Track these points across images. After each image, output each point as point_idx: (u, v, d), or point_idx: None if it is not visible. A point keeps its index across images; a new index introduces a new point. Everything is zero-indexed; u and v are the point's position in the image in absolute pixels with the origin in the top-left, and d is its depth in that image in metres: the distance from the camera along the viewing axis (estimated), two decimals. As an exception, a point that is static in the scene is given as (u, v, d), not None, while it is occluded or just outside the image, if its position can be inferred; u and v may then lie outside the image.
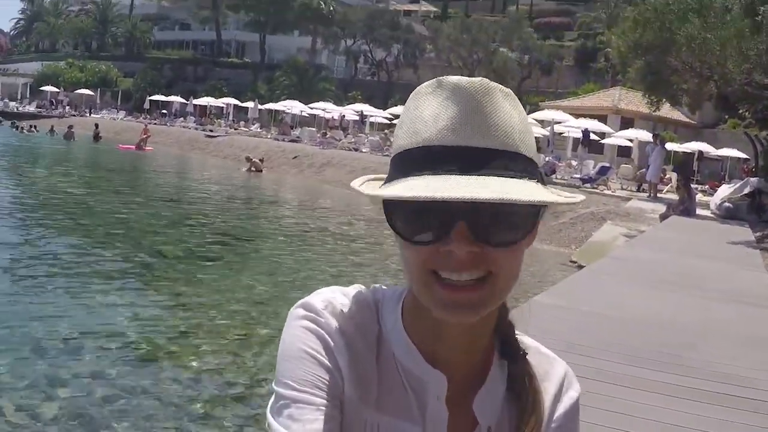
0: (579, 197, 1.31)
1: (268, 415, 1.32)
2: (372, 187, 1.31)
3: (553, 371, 1.49)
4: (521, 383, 1.42)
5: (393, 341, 1.39)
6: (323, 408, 1.29)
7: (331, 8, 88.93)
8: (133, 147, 48.76)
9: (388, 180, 1.29)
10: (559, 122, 40.16)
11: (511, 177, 1.20)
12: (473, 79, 1.26)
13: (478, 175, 1.18)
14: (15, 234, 16.09)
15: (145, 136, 50.81)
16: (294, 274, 14.39)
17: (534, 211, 1.25)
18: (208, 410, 7.46)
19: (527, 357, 1.44)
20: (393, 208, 1.25)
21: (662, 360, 6.63)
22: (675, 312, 9.07)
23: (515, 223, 1.23)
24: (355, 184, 1.33)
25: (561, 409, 1.47)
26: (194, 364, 8.78)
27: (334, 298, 1.39)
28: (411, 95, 1.33)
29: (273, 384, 1.34)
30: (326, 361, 1.32)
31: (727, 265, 13.75)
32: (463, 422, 1.39)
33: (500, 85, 1.28)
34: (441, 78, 1.30)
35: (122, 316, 10.50)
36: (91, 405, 7.31)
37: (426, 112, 1.26)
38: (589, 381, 5.56)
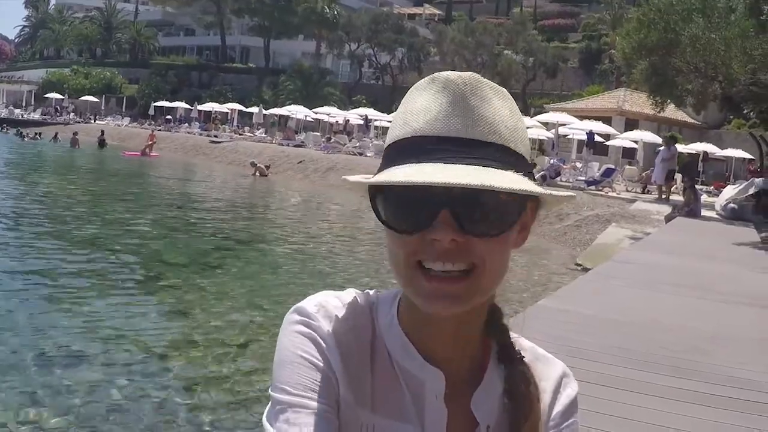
0: (567, 193, 1.34)
1: (264, 422, 1.33)
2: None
3: (549, 371, 1.50)
4: (518, 386, 1.41)
5: (389, 341, 1.40)
6: (320, 412, 1.29)
7: (336, 12, 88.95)
8: (139, 153, 48.85)
9: (378, 171, 1.31)
10: (564, 124, 40.13)
11: (495, 167, 1.22)
12: (463, 73, 1.31)
13: (462, 164, 1.21)
14: (18, 242, 16.08)
15: (150, 143, 50.92)
16: (299, 278, 14.39)
17: (519, 204, 1.26)
18: (212, 418, 7.43)
19: (524, 359, 1.45)
20: (379, 198, 1.29)
21: (669, 364, 6.58)
22: (681, 315, 9.02)
23: (498, 214, 1.24)
24: (349, 178, 1.33)
25: (559, 407, 1.48)
26: (198, 371, 8.78)
27: (327, 302, 1.40)
28: (408, 91, 1.36)
29: (269, 390, 1.34)
30: (321, 365, 1.33)
31: (733, 267, 13.71)
32: (462, 422, 1.40)
33: (491, 82, 1.32)
34: (435, 74, 1.33)
35: (126, 323, 10.49)
36: (95, 414, 7.28)
37: (417, 105, 1.30)
38: (593, 386, 5.52)
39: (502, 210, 1.24)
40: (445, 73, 1.31)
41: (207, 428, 7.20)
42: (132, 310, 11.24)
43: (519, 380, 1.41)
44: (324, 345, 1.34)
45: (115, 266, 14.29)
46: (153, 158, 48.83)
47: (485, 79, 1.31)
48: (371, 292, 1.47)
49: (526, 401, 1.40)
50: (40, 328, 9.91)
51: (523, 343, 1.49)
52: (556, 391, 1.48)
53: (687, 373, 6.33)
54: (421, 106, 1.29)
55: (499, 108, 1.28)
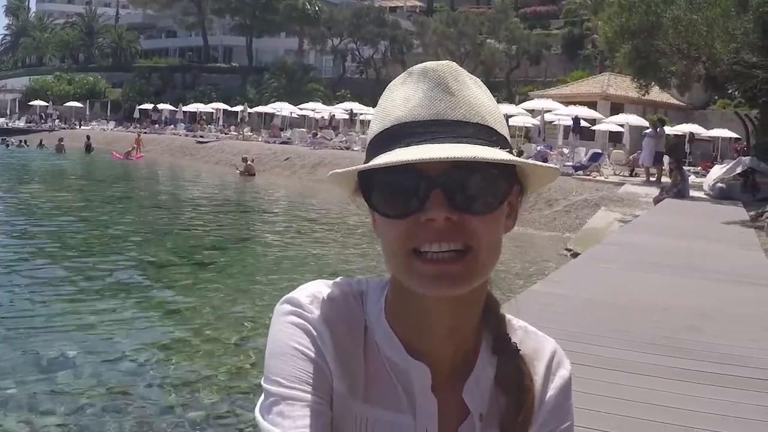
0: (551, 165, 1.36)
1: (257, 414, 1.32)
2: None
3: (541, 349, 1.49)
4: (511, 379, 1.40)
5: (377, 332, 1.39)
6: (313, 404, 1.28)
7: (317, 8, 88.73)
8: (122, 156, 48.55)
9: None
10: (549, 111, 40.10)
11: (481, 144, 1.23)
12: (440, 62, 1.33)
13: (450, 143, 1.22)
14: (7, 248, 16.03)
15: (133, 147, 50.71)
16: (290, 274, 14.37)
17: (507, 180, 1.27)
18: (207, 416, 7.43)
19: (515, 337, 1.44)
20: (369, 187, 1.28)
21: (661, 344, 6.61)
22: (673, 295, 9.04)
23: (489, 190, 1.25)
24: (337, 171, 1.33)
25: (552, 390, 1.47)
26: (193, 370, 8.76)
27: (319, 292, 1.39)
28: (385, 90, 1.37)
29: (262, 382, 1.33)
30: (314, 356, 1.32)
31: (722, 246, 13.75)
32: (455, 410, 1.39)
33: (465, 71, 1.34)
34: (410, 69, 1.35)
35: (119, 325, 10.48)
36: (91, 416, 7.27)
37: (397, 98, 1.31)
38: (588, 368, 5.54)
39: (492, 186, 1.24)
40: (421, 65, 1.33)
41: (202, 423, 7.21)
42: (124, 311, 11.24)
43: (513, 373, 1.40)
44: (317, 336, 1.33)
45: (106, 269, 14.23)
46: (138, 160, 48.63)
47: (461, 68, 1.33)
48: (362, 280, 1.46)
49: (520, 393, 1.39)
50: (33, 331, 9.92)
51: (513, 322, 1.49)
52: (548, 372, 1.47)
53: (679, 352, 6.36)
54: (400, 98, 1.30)
55: (477, 92, 1.31)
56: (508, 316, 1.48)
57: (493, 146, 1.25)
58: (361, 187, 1.30)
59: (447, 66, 1.32)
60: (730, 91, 32.38)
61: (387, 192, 1.26)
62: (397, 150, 1.23)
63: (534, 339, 1.49)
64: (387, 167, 1.21)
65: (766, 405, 5.20)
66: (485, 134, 1.26)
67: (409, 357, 1.36)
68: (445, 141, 1.22)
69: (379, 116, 1.32)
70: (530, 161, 1.27)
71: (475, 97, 1.30)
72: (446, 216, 1.21)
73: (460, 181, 1.22)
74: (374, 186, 1.27)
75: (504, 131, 1.31)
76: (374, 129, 1.32)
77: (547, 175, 1.35)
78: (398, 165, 1.19)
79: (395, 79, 1.37)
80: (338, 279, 1.45)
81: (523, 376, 1.40)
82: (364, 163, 1.31)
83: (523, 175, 1.33)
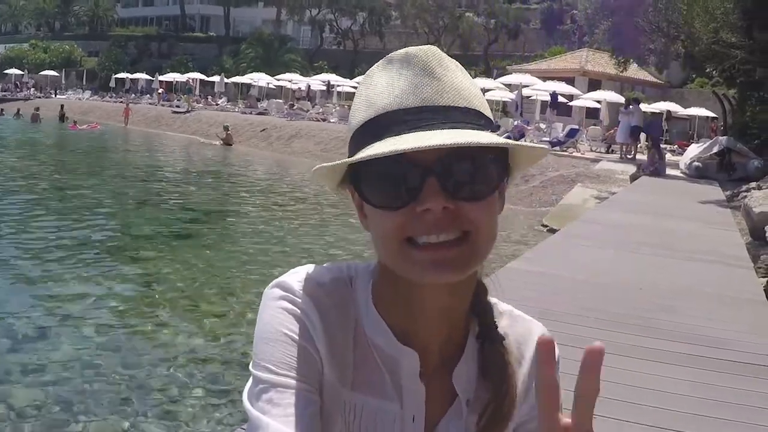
0: (541, 145, 1.34)
1: (245, 400, 1.29)
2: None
3: (529, 334, 1.49)
4: (494, 367, 1.39)
5: (364, 319, 1.37)
6: (303, 392, 1.27)
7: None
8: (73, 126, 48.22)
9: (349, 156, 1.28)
10: (527, 86, 40.10)
11: (470, 128, 1.21)
12: (422, 46, 1.31)
13: (441, 129, 1.20)
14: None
15: (124, 116, 50.46)
16: (267, 248, 14.37)
17: (501, 164, 1.26)
18: (184, 391, 7.41)
19: (501, 321, 1.44)
20: (360, 178, 1.26)
21: (637, 323, 6.63)
22: (648, 274, 9.07)
23: (484, 175, 1.23)
24: (324, 165, 1.30)
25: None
26: (169, 344, 8.73)
27: (310, 277, 1.37)
28: (363, 76, 1.36)
29: (250, 367, 1.31)
30: (305, 343, 1.30)
31: (698, 225, 13.80)
32: (442, 395, 1.39)
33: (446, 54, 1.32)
34: (390, 55, 1.33)
35: (95, 298, 10.43)
36: (67, 390, 7.24)
37: (380, 85, 1.28)
38: (564, 347, 5.51)
39: (487, 171, 1.23)
40: (402, 51, 1.31)
41: (180, 401, 7.19)
42: (101, 285, 11.17)
43: (496, 362, 1.40)
44: (308, 322, 1.31)
45: (82, 241, 14.16)
46: (94, 129, 48.38)
47: (442, 52, 1.31)
48: (351, 264, 1.44)
49: (502, 383, 1.39)
50: (8, 304, 9.85)
51: (500, 306, 1.49)
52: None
53: (656, 332, 6.38)
54: (384, 85, 1.27)
55: (461, 76, 1.29)
56: (494, 300, 1.47)
57: (482, 130, 1.23)
58: (351, 179, 1.29)
59: (429, 51, 1.30)
60: (708, 70, 32.46)
61: (379, 183, 1.23)
62: (387, 139, 1.20)
63: (521, 324, 1.49)
64: (378, 158, 1.17)
65: (740, 387, 5.24)
66: (474, 118, 1.25)
67: (398, 343, 1.35)
68: (435, 127, 1.19)
69: (361, 106, 1.29)
70: (526, 143, 1.26)
71: (460, 81, 1.27)
72: (444, 206, 1.19)
73: (455, 168, 1.19)
74: (365, 177, 1.25)
75: (489, 114, 1.30)
76: (358, 119, 1.28)
77: (537, 156, 1.33)
78: (390, 155, 1.16)
79: (374, 67, 1.34)
80: (328, 264, 1.43)
81: (506, 365, 1.40)
82: (349, 155, 1.28)
83: (512, 157, 1.31)
